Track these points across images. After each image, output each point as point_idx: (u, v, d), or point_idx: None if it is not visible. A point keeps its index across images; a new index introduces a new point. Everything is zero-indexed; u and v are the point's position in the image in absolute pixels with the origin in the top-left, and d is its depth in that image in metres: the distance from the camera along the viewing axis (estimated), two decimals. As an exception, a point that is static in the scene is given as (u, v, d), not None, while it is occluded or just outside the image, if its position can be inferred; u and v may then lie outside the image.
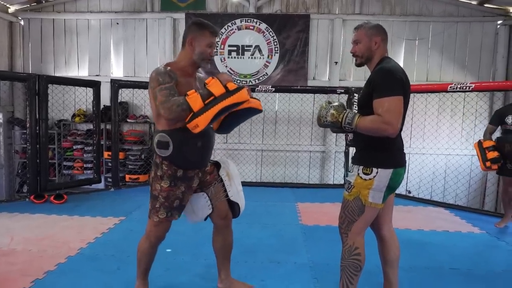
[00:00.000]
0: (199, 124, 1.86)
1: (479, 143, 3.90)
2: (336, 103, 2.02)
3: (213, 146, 2.19)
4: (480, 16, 6.32)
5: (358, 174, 1.96)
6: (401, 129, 1.97)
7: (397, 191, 6.36)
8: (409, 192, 6.33)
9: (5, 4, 6.43)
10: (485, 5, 6.24)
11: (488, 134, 3.93)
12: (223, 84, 1.88)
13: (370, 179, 1.92)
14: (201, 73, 2.34)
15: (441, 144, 6.29)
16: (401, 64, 6.35)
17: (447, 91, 4.63)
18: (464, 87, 4.44)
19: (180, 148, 1.99)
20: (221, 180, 2.23)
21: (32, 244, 3.18)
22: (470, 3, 6.29)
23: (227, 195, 2.24)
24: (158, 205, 2.07)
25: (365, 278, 2.53)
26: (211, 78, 1.93)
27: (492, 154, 3.74)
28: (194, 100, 1.85)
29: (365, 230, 2.05)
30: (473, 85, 4.41)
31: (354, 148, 2.14)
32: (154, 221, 2.11)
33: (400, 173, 1.98)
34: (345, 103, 5.94)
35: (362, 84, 6.70)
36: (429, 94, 5.73)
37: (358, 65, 2.11)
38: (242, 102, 1.90)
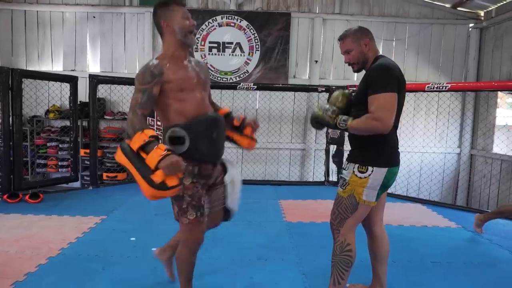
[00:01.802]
0: (117, 154, 1.78)
1: None
2: (331, 108, 2.07)
3: (225, 136, 2.12)
4: (453, 19, 6.56)
5: (354, 172, 1.98)
6: (396, 127, 2.01)
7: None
8: (386, 188, 6.51)
9: (-28, -7, 6.11)
10: (458, 8, 6.48)
11: None
12: (161, 166, 1.63)
13: (365, 177, 1.95)
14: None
15: (417, 142, 6.49)
16: (379, 64, 6.59)
17: (424, 91, 4.78)
18: (441, 87, 4.60)
19: (197, 141, 1.87)
20: (224, 187, 2.12)
21: (8, 246, 3.04)
22: (444, 6, 6.51)
23: (224, 202, 2.14)
24: (185, 205, 1.91)
25: (352, 273, 2.61)
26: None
27: None
28: (137, 140, 1.70)
29: (356, 226, 2.09)
30: (449, 85, 4.58)
31: (350, 146, 2.16)
32: (184, 224, 1.95)
33: (394, 172, 2.02)
34: (325, 101, 6.08)
35: (341, 83, 6.83)
36: (407, 93, 5.91)
37: (356, 71, 2.14)
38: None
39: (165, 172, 1.62)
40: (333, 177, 5.80)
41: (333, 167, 5.77)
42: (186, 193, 1.90)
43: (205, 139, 1.92)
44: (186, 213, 1.92)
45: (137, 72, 1.91)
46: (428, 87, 4.69)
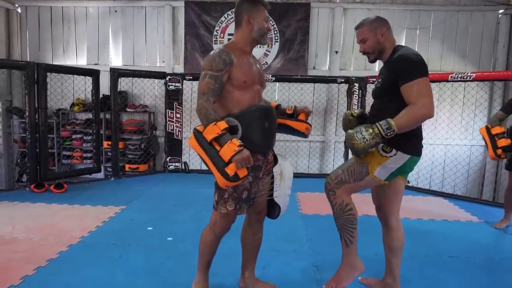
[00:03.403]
0: (190, 140, 1.87)
1: (487, 129, 3.53)
2: (360, 126, 1.91)
3: (276, 127, 2.14)
4: (481, 5, 6.27)
5: (377, 148, 1.95)
6: None
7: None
8: (408, 182, 6.35)
9: (1, -9, 6.34)
10: (487, -7, 6.19)
11: (497, 120, 3.52)
12: (234, 160, 1.75)
13: (386, 157, 1.93)
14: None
15: (441, 134, 6.29)
16: (402, 54, 6.40)
17: (447, 81, 4.63)
18: (465, 77, 4.43)
19: (249, 131, 1.91)
20: (272, 177, 2.12)
21: (33, 233, 3.19)
22: (472, -9, 6.23)
23: (271, 194, 2.13)
24: (227, 196, 1.95)
25: (366, 267, 2.58)
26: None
27: (503, 142, 3.37)
28: (210, 131, 1.79)
29: (351, 194, 2.07)
30: (474, 74, 4.41)
31: None
32: (221, 212, 1.99)
33: (415, 161, 1.99)
34: (345, 93, 5.98)
35: (362, 73, 6.66)
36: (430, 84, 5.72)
37: (372, 61, 2.12)
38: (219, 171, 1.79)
39: (237, 165, 1.76)
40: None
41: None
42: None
43: (257, 129, 1.95)
44: (226, 203, 1.97)
45: (204, 59, 1.94)
46: (451, 77, 4.53)
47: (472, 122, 6.37)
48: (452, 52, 6.38)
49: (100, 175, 5.97)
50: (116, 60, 6.67)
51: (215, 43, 6.39)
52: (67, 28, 6.65)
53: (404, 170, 2.00)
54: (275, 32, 6.37)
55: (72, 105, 6.51)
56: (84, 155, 6.54)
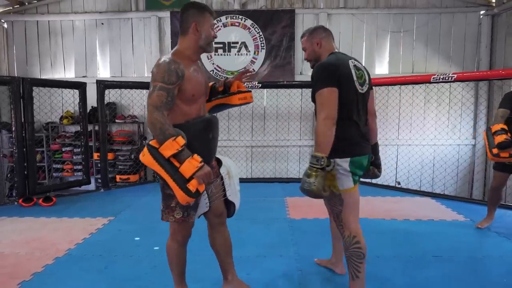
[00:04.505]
0: (143, 156, 1.83)
1: (488, 130, 3.27)
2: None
3: (218, 135, 2.16)
4: (463, 7, 6.38)
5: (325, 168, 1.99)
6: (353, 120, 2.02)
7: (386, 183, 6.39)
8: (399, 183, 6.40)
9: (-13, 7, 6.37)
10: (468, -5, 6.30)
11: (499, 118, 3.23)
12: (196, 176, 1.78)
13: (331, 169, 1.99)
14: None
15: (428, 134, 6.36)
16: (387, 57, 6.53)
17: (430, 82, 4.69)
18: (447, 78, 4.50)
19: (194, 142, 1.89)
20: (222, 179, 2.16)
21: (20, 247, 3.19)
22: (453, -6, 6.34)
23: (225, 195, 2.18)
24: (174, 204, 1.95)
25: (345, 266, 2.61)
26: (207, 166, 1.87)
27: (499, 138, 3.07)
28: (169, 147, 1.77)
29: (354, 216, 2.09)
30: (455, 75, 4.48)
31: None
32: (170, 222, 2.01)
33: (358, 161, 2.04)
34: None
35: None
36: (414, 85, 5.80)
37: (312, 67, 2.21)
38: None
39: (199, 181, 1.79)
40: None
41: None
42: None
43: (202, 141, 1.97)
44: (173, 212, 1.97)
45: (154, 69, 1.88)
46: (434, 78, 4.60)
47: (459, 122, 6.44)
48: (436, 54, 6.47)
49: (91, 186, 5.96)
50: (104, 72, 6.70)
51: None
52: (54, 42, 6.68)
53: (356, 172, 2.05)
54: (261, 39, 6.44)
55: (61, 118, 6.51)
56: (74, 167, 6.52)
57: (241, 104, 2.32)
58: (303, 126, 6.60)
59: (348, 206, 2.07)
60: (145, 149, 1.84)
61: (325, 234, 2.68)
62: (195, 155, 1.81)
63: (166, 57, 1.90)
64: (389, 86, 5.87)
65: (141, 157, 1.85)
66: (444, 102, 6.34)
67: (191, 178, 1.77)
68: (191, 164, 1.78)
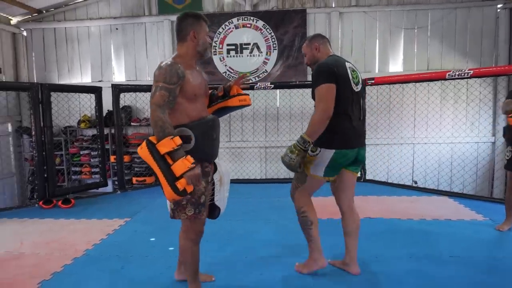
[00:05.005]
0: (141, 149, 1.90)
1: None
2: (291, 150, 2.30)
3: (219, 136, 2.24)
4: (479, 1, 6.24)
5: (308, 151, 2.32)
6: (347, 114, 2.27)
7: (402, 182, 6.27)
8: (415, 182, 6.30)
9: (7, 16, 6.58)
10: (484, -11, 6.16)
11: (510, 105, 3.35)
12: (186, 176, 1.84)
13: (313, 155, 2.32)
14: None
15: (445, 132, 6.24)
16: (401, 54, 6.44)
17: (445, 79, 4.60)
18: (463, 74, 4.41)
19: (201, 141, 2.00)
20: (213, 184, 2.22)
21: (40, 248, 3.28)
22: (469, -12, 6.21)
23: (212, 199, 2.23)
24: (185, 202, 2.02)
25: (360, 267, 2.59)
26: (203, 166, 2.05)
27: None
28: (165, 144, 1.84)
29: (307, 195, 2.49)
30: (472, 71, 4.38)
31: None
32: (182, 219, 2.08)
33: (344, 154, 2.30)
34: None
35: (363, 75, 6.63)
36: (429, 83, 5.70)
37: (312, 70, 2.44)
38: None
39: (188, 181, 1.86)
40: (363, 175, 5.66)
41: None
42: None
43: (207, 140, 2.06)
44: (185, 209, 2.04)
45: (156, 71, 1.98)
46: (449, 74, 4.51)
47: (477, 119, 6.30)
48: (452, 50, 6.34)
49: (108, 188, 6.08)
50: (119, 76, 6.83)
51: (214, 54, 6.49)
52: (71, 48, 6.84)
53: (340, 163, 2.32)
54: (273, 40, 6.45)
55: (79, 122, 6.67)
56: (92, 170, 6.68)
57: (241, 106, 2.44)
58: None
59: (307, 187, 2.44)
60: (144, 143, 1.91)
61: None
62: (188, 156, 1.88)
63: (167, 60, 2.01)
64: (404, 84, 5.79)
65: (139, 150, 1.93)
66: (461, 99, 6.21)
67: (181, 176, 1.84)
68: (183, 164, 1.85)
